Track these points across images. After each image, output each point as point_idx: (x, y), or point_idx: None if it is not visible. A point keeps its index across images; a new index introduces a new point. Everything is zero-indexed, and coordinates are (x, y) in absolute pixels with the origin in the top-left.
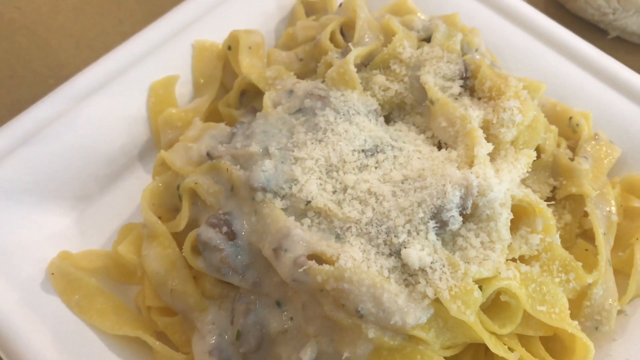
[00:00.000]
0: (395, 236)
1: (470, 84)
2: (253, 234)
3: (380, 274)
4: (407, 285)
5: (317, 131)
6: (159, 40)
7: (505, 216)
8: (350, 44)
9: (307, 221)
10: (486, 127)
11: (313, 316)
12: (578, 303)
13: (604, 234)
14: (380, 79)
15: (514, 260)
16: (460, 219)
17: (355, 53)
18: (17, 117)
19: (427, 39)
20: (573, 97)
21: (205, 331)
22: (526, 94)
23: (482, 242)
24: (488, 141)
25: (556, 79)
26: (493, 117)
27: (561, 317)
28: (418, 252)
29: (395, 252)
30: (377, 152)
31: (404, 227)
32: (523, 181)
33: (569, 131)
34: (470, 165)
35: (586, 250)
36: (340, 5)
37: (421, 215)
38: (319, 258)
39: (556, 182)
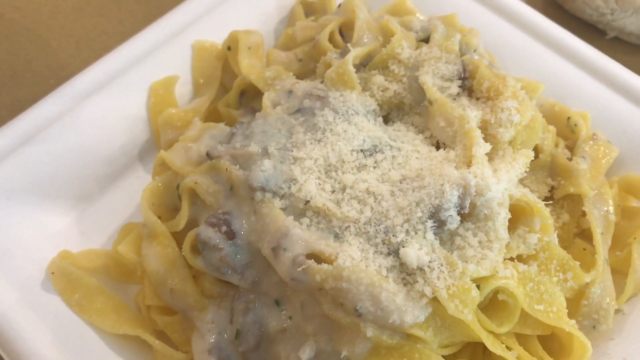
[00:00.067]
0: (393, 235)
1: (468, 84)
2: (252, 233)
3: (379, 273)
4: (405, 284)
5: (316, 131)
6: (158, 41)
7: (503, 216)
8: (349, 45)
9: (305, 220)
10: (484, 127)
11: (312, 315)
12: (576, 302)
13: (602, 233)
14: (378, 79)
15: (511, 259)
16: (458, 218)
17: (354, 53)
18: (18, 117)
19: (426, 40)
20: (571, 98)
21: (205, 330)
22: (524, 94)
23: (480, 242)
24: (486, 141)
25: (555, 79)
26: (491, 117)
27: (559, 316)
28: (416, 252)
29: (394, 252)
30: (376, 152)
31: (402, 226)
32: (521, 181)
33: (567, 131)
34: (469, 165)
35: (584, 249)
36: (340, 5)
37: (419, 214)
38: (317, 257)
39: (554, 181)
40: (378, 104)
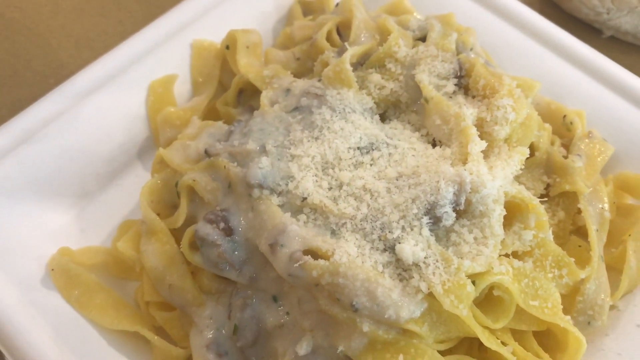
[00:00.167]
0: (389, 232)
1: (464, 82)
2: (250, 229)
3: (375, 269)
4: (401, 280)
5: (313, 129)
6: (158, 40)
7: (498, 212)
8: (346, 44)
9: (303, 217)
10: (480, 124)
11: (309, 310)
12: (571, 298)
13: (597, 230)
14: (375, 77)
15: (507, 255)
16: (454, 215)
17: (351, 52)
18: (18, 116)
19: (423, 38)
20: (567, 96)
21: (203, 326)
22: (520, 92)
23: (475, 238)
24: (482, 139)
25: (551, 77)
26: (487, 115)
27: (554, 312)
28: (412, 248)
29: (390, 248)
30: (373, 150)
31: (398, 223)
32: (517, 178)
33: (563, 129)
34: (464, 162)
35: (579, 246)
36: (337, 5)
37: (415, 211)
38: (314, 253)
39: (550, 179)
40: (375, 102)
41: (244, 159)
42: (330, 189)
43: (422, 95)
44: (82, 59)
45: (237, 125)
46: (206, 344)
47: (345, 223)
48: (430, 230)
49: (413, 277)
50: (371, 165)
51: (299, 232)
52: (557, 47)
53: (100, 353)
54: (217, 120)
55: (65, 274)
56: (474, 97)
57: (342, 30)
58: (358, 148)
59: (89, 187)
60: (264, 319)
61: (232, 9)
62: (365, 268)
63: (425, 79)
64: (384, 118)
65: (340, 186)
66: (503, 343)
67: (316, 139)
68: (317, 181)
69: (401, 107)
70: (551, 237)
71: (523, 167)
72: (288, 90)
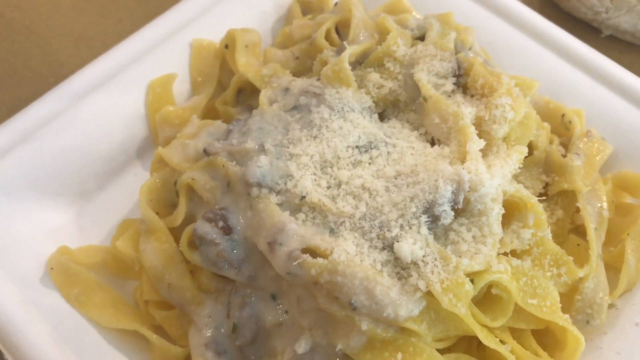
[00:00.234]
0: (388, 230)
1: (463, 81)
2: (249, 228)
3: (373, 267)
4: (399, 279)
5: (312, 128)
6: (157, 39)
7: (496, 211)
8: (345, 43)
9: (301, 216)
10: (478, 123)
11: (307, 309)
12: (570, 297)
13: (595, 229)
14: (374, 76)
15: (505, 254)
16: (452, 213)
17: (350, 51)
18: (17, 115)
19: (422, 38)
20: (566, 95)
21: (202, 324)
22: (518, 91)
23: (473, 237)
24: (480, 137)
25: (550, 77)
26: (485, 114)
27: (552, 310)
28: (410, 246)
29: (388, 246)
30: (371, 149)
31: (396, 221)
32: (515, 177)
33: (562, 128)
34: (463, 161)
35: (578, 245)
36: (336, 4)
37: (414, 209)
38: (313, 252)
39: (548, 178)
40: (373, 101)
41: (242, 158)
42: (329, 187)
43: (421, 94)
44: (82, 58)
45: (236, 124)
46: (205, 343)
47: (343, 222)
48: (429, 228)
49: (411, 276)
50: (370, 164)
51: (298, 231)
52: (556, 46)
53: (99, 351)
54: (216, 120)
55: (64, 273)
56: (472, 96)
57: (341, 29)
58: (357, 147)
59: (88, 186)
60: (262, 317)
61: (231, 8)
62: (364, 266)
63: (424, 77)
64: (382, 117)
65: (338, 185)
66: (502, 341)
67: (315, 137)
68: (315, 180)
69: (400, 106)
70: (550, 235)
71: (521, 165)
72: (287, 89)
